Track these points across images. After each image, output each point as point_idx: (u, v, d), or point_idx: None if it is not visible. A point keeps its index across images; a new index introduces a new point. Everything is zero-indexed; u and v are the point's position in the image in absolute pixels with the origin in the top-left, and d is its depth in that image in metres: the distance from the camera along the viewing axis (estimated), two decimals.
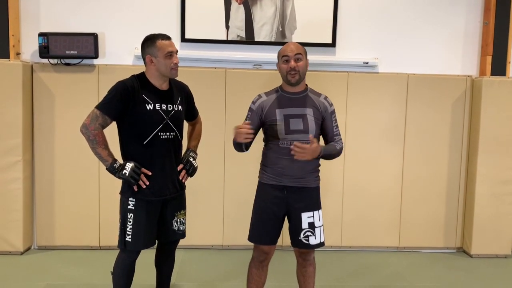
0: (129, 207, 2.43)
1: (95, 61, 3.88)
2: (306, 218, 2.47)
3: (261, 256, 2.57)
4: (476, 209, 4.02)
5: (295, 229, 2.50)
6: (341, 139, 2.55)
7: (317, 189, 2.55)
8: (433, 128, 4.09)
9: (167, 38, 2.43)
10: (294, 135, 2.43)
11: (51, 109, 3.86)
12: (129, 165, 2.36)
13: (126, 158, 2.44)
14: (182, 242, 2.72)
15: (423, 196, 4.13)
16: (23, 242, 3.82)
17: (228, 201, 4.03)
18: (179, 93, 2.56)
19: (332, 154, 2.48)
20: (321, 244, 2.53)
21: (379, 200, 4.12)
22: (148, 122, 2.39)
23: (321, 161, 2.54)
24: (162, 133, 2.42)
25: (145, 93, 2.40)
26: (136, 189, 2.40)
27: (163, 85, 2.47)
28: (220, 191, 4.03)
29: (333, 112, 2.53)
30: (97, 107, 2.36)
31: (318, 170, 2.55)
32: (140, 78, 2.45)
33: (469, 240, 4.09)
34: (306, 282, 2.61)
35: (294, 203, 2.47)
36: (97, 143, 2.34)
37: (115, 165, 2.37)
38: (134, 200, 2.42)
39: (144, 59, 2.45)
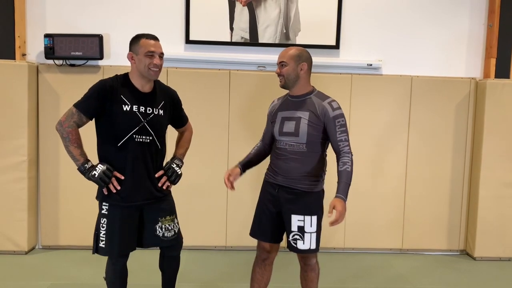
0: (103, 211, 2.38)
1: (100, 62, 3.90)
2: (296, 220, 2.44)
3: (263, 254, 2.60)
4: (480, 212, 4.01)
5: (286, 229, 2.51)
6: (346, 148, 2.40)
7: (313, 194, 2.46)
8: (437, 130, 4.09)
9: (153, 38, 2.35)
10: (286, 137, 2.46)
11: (56, 110, 3.88)
12: (101, 167, 2.30)
13: (100, 159, 2.39)
14: (185, 242, 2.70)
15: (426, 198, 4.13)
16: (28, 242, 3.84)
17: (232, 202, 4.04)
18: (163, 97, 2.46)
19: (350, 182, 2.37)
20: (311, 251, 2.47)
21: (382, 202, 4.12)
22: (123, 123, 2.31)
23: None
24: (137, 136, 2.33)
25: (123, 93, 2.33)
26: (106, 193, 2.34)
27: (145, 87, 2.38)
28: (224, 192, 4.03)
29: (337, 117, 2.41)
30: (75, 104, 2.32)
31: (319, 175, 2.49)
32: (123, 78, 2.39)
33: (472, 243, 4.09)
34: (307, 287, 2.61)
35: (286, 203, 2.47)
36: (70, 141, 2.29)
37: (86, 165, 2.30)
38: (107, 204, 2.37)
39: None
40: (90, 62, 3.88)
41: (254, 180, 3.88)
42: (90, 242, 3.92)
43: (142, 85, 2.38)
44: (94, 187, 3.90)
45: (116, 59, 3.92)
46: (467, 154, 4.12)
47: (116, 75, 2.42)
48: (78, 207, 3.94)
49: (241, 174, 2.61)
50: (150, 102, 2.40)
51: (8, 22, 3.77)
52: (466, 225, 4.18)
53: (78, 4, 3.89)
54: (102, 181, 2.31)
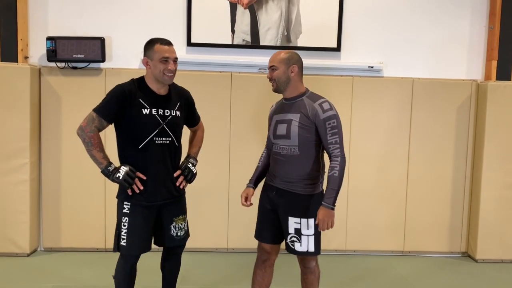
0: (124, 210, 2.41)
1: (102, 65, 3.91)
2: (293, 223, 2.45)
3: (263, 255, 2.61)
4: (481, 214, 4.01)
5: (284, 231, 2.51)
6: (336, 151, 2.37)
7: (310, 197, 2.44)
8: (438, 132, 4.09)
9: (167, 43, 2.38)
10: (279, 140, 2.48)
11: (58, 112, 3.89)
12: (124, 169, 2.35)
13: (122, 161, 2.44)
14: (186, 244, 2.70)
15: (428, 200, 4.13)
16: (30, 244, 3.85)
17: (233, 204, 4.03)
18: (178, 98, 2.52)
19: (337, 187, 2.35)
20: (310, 253, 2.47)
21: (383, 204, 4.12)
22: (143, 126, 2.36)
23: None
24: (157, 138, 2.39)
25: (142, 97, 2.37)
26: (130, 193, 2.39)
27: (161, 90, 2.43)
28: (225, 193, 4.04)
29: (327, 119, 2.37)
30: (94, 109, 2.36)
31: (316, 178, 2.47)
32: (139, 82, 2.43)
33: (474, 245, 4.08)
34: None
35: (282, 205, 2.49)
36: (92, 146, 2.34)
37: (109, 168, 2.35)
38: (129, 204, 2.41)
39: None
40: (92, 65, 3.89)
41: None
42: (92, 244, 3.97)
43: (158, 88, 2.43)
44: (96, 188, 3.93)
45: (118, 61, 3.94)
46: (468, 156, 4.12)
47: (132, 79, 2.45)
48: (80, 209, 3.95)
49: (254, 189, 2.70)
50: (167, 104, 2.45)
51: (10, 25, 3.79)
52: (468, 227, 4.17)
53: (80, 7, 3.91)
54: (126, 182, 2.35)
